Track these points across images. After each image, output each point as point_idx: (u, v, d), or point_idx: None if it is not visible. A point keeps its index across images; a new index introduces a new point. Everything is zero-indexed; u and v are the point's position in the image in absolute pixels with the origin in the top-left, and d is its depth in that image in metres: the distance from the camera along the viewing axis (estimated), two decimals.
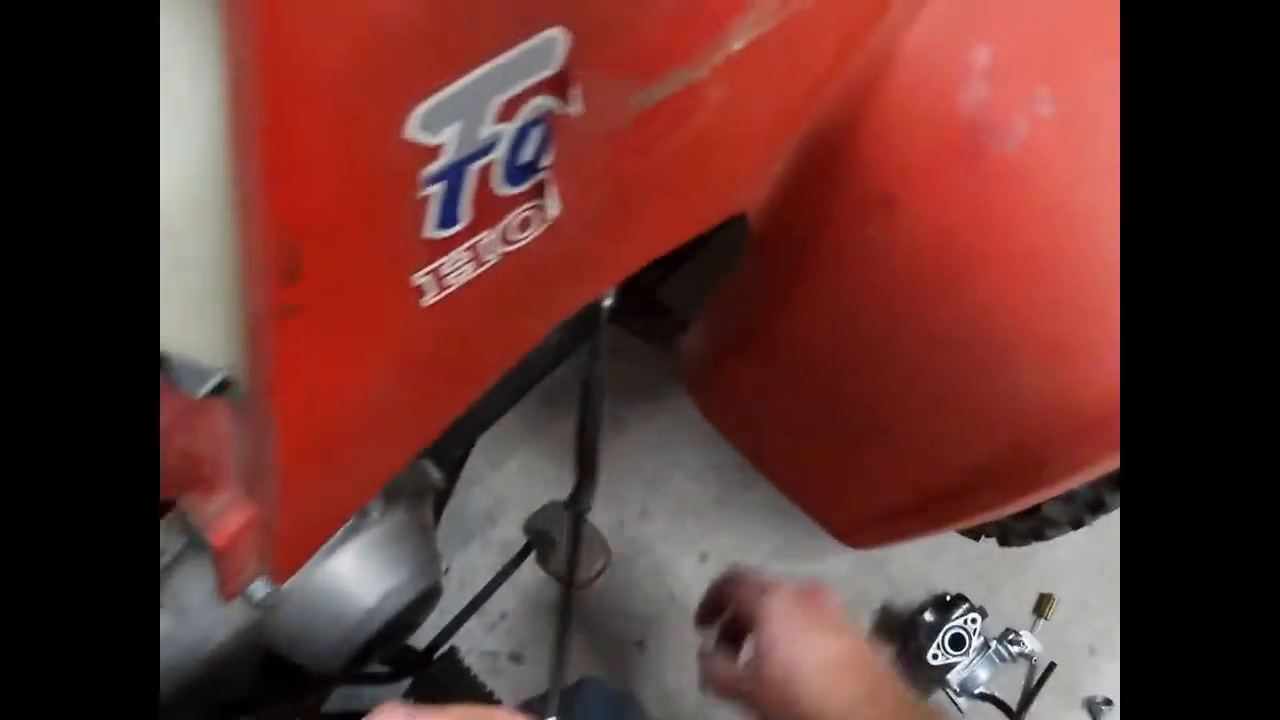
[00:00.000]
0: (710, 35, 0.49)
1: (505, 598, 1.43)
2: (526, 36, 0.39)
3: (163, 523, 0.85)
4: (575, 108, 0.43)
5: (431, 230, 0.43)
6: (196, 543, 0.85)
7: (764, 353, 0.80)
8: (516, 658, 1.42)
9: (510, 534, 1.48)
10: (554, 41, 0.40)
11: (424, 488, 0.93)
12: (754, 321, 0.79)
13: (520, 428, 1.52)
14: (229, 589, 0.64)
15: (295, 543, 0.60)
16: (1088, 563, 1.56)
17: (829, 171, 0.68)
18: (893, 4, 0.63)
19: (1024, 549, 1.50)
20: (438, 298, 0.46)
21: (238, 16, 0.33)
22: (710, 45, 0.49)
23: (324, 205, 0.39)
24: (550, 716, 0.75)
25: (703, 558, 1.50)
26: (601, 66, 0.44)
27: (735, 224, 0.72)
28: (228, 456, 0.55)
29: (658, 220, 0.59)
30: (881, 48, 0.65)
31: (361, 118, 0.37)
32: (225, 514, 0.57)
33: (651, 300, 1.09)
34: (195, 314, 0.47)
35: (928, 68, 0.65)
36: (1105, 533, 1.49)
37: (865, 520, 0.89)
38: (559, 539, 0.96)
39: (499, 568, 1.46)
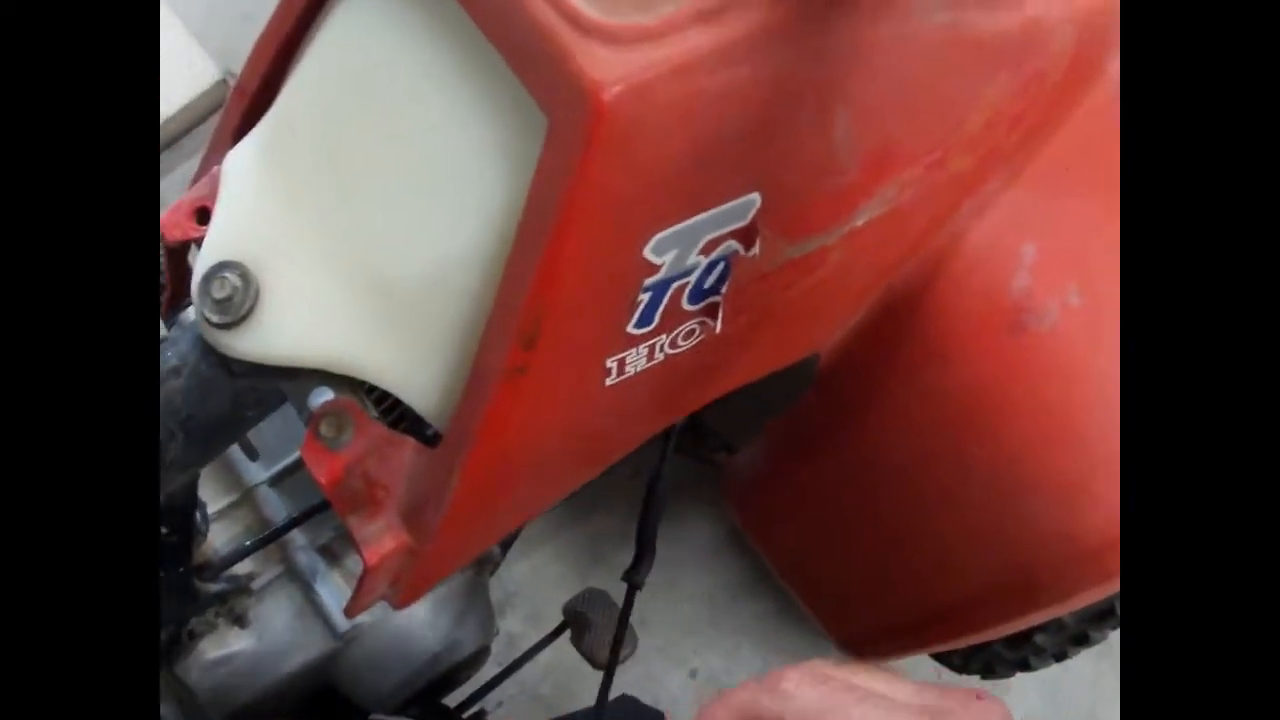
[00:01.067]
0: (845, 213, 0.64)
1: (505, 687, 1.51)
2: (736, 196, 0.54)
3: (262, 552, 0.96)
4: (753, 252, 0.57)
5: (631, 326, 0.56)
6: (288, 573, 0.96)
7: (812, 473, 0.93)
8: None
9: (516, 627, 1.58)
10: (752, 202, 0.55)
11: (487, 557, 1.04)
12: (808, 444, 0.92)
13: (536, 530, 1.63)
14: (358, 606, 0.75)
15: (429, 573, 0.71)
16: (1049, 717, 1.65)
17: (896, 327, 0.82)
18: (962, 206, 0.79)
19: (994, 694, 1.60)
20: (616, 380, 0.59)
21: (562, 139, 0.47)
22: (844, 221, 0.64)
23: (569, 294, 0.52)
24: None
25: (692, 674, 1.59)
26: (773, 225, 0.58)
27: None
28: (399, 487, 0.67)
29: (768, 348, 0.72)
30: (951, 235, 0.80)
31: (621, 238, 0.51)
32: (382, 537, 0.68)
33: (699, 421, 1.22)
34: (424, 362, 0.59)
35: (986, 256, 0.80)
36: (1056, 692, 1.60)
37: (871, 632, 1.01)
38: (595, 620, 1.07)
39: (501, 657, 1.56)
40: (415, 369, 0.59)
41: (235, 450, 0.97)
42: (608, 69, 0.45)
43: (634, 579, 0.89)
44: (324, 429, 0.63)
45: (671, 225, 0.52)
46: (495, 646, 1.56)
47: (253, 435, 0.95)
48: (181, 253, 0.69)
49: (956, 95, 0.66)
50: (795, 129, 0.55)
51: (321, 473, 0.64)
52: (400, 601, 0.75)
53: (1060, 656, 1.11)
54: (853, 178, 0.62)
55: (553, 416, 0.59)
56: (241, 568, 0.94)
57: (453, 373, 0.59)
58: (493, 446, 0.58)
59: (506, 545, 1.20)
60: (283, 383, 0.66)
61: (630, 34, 0.46)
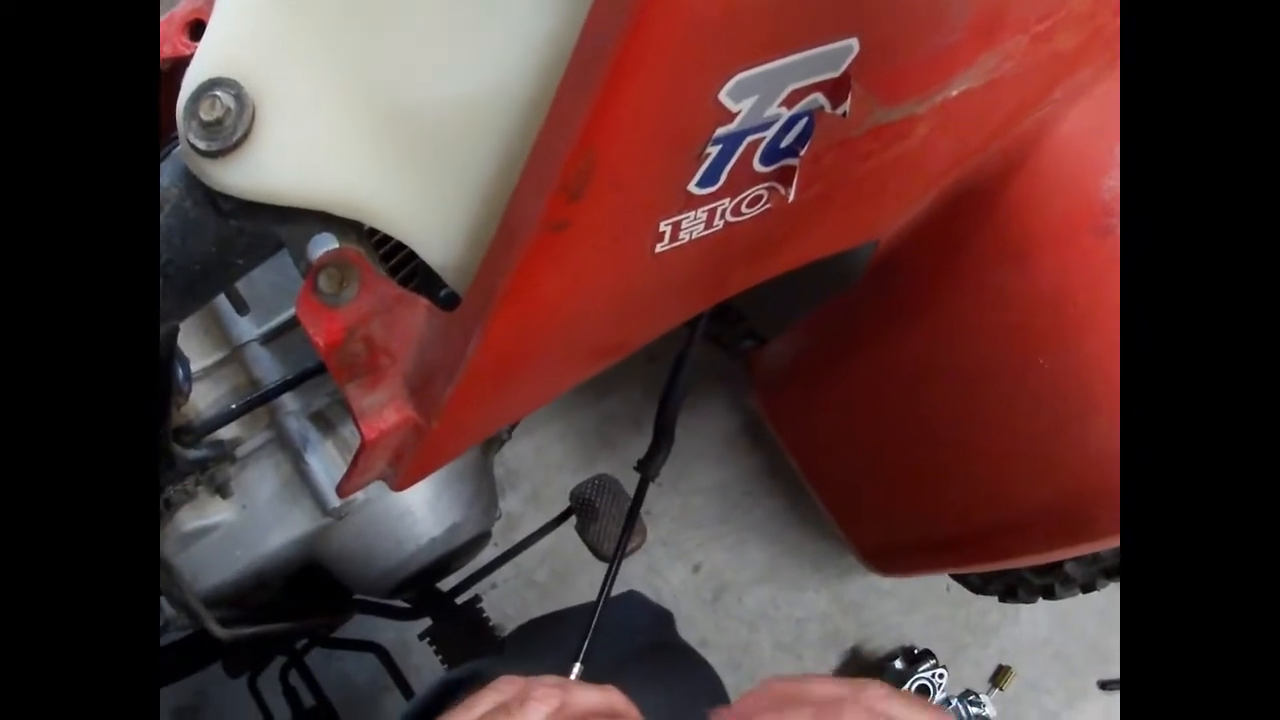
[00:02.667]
0: (942, 79, 0.55)
1: (500, 569, 1.46)
2: (833, 39, 0.44)
3: (248, 416, 0.89)
4: (841, 110, 0.48)
5: (693, 185, 0.48)
6: (277, 440, 0.89)
7: (856, 369, 0.86)
8: (498, 629, 1.45)
9: (516, 507, 1.52)
10: (849, 50, 0.46)
11: (494, 436, 0.97)
12: (855, 339, 0.85)
13: (541, 410, 1.56)
14: (351, 485, 0.68)
15: (434, 454, 0.64)
16: (1045, 646, 1.62)
17: (968, 218, 0.73)
18: (1056, 90, 0.70)
19: (991, 623, 1.57)
20: (667, 248, 0.51)
21: None
22: (939, 87, 0.55)
23: (629, 140, 0.43)
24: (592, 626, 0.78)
25: (695, 569, 1.54)
26: (866, 82, 0.49)
27: None
28: (407, 354, 0.59)
29: (831, 228, 0.64)
30: (1041, 123, 0.71)
31: (695, 71, 0.42)
32: (383, 410, 0.61)
33: (728, 305, 1.14)
34: (445, 208, 0.51)
35: (1077, 151, 0.72)
36: (1066, 621, 1.56)
37: (900, 547, 0.94)
38: (603, 509, 1.00)
39: (499, 538, 1.51)
40: (435, 217, 0.51)
41: (224, 302, 0.89)
42: None
43: (648, 469, 0.82)
44: (323, 282, 0.55)
45: (755, 65, 0.43)
46: (497, 526, 1.52)
47: (243, 286, 0.87)
48: (173, 75, 0.60)
49: None
50: None
51: (318, 333, 0.56)
52: (400, 483, 0.68)
53: (1089, 588, 1.04)
54: (958, 38, 0.53)
55: (590, 283, 0.51)
56: (225, 433, 0.87)
57: (479, 224, 0.51)
58: (518, 313, 0.50)
59: (513, 423, 1.13)
60: (279, 226, 0.57)
61: None
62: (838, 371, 0.88)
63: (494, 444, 1.00)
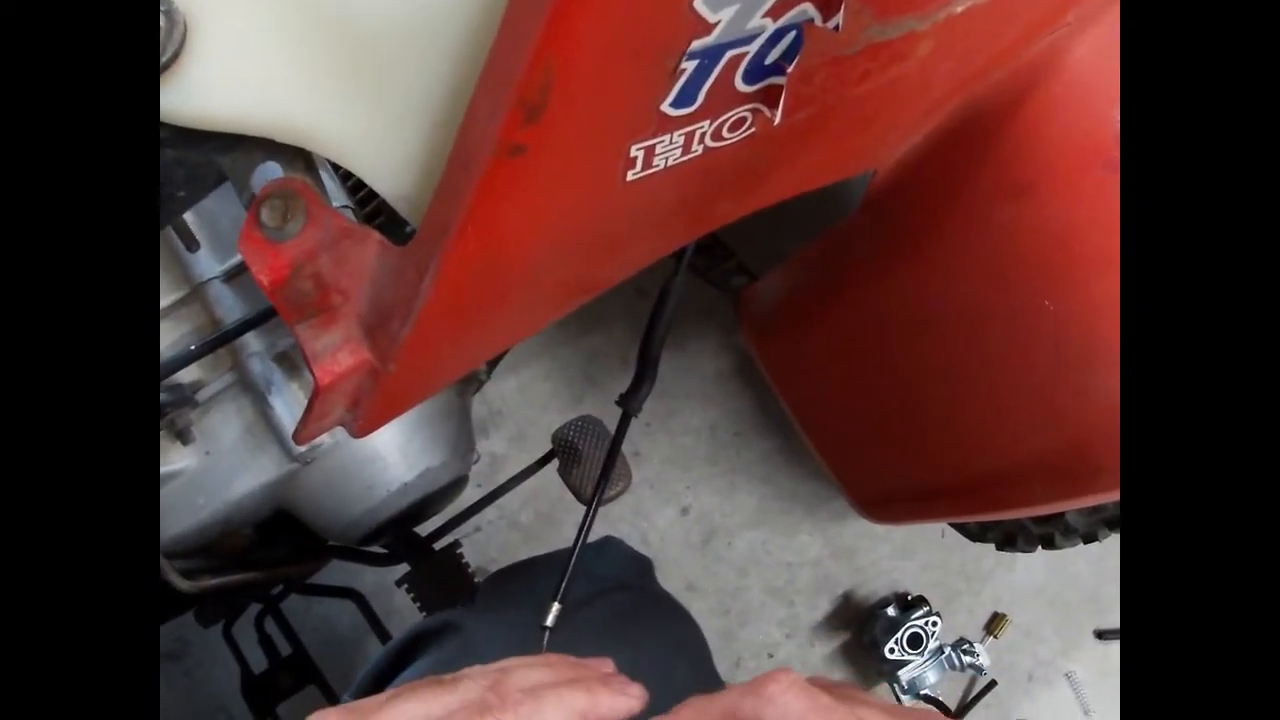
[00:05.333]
0: None
1: (483, 512, 1.43)
2: None
3: (210, 358, 0.84)
4: (834, 22, 0.43)
5: (667, 104, 0.43)
6: (240, 383, 0.84)
7: (849, 309, 0.81)
8: (482, 572, 1.42)
9: (499, 447, 1.48)
10: None
11: (470, 375, 0.92)
12: (848, 276, 0.80)
13: (526, 345, 1.52)
14: (307, 432, 0.63)
15: (394, 398, 0.59)
16: (1041, 593, 1.60)
17: (970, 150, 0.68)
18: (1069, 11, 0.65)
19: (986, 569, 1.54)
20: (639, 175, 0.46)
21: None
22: (942, 1, 0.50)
23: (591, 53, 0.38)
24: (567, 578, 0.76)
25: (683, 511, 1.51)
26: None
27: None
28: (360, 293, 0.54)
29: (823, 156, 0.59)
30: (1050, 48, 0.66)
31: None
32: (337, 352, 0.56)
33: (716, 239, 1.09)
34: (394, 132, 0.46)
35: (1088, 78, 0.67)
36: (1062, 569, 1.53)
37: (896, 495, 0.91)
38: (586, 452, 0.96)
39: (482, 479, 1.47)
40: (383, 142, 0.46)
41: (203, 214, 0.84)
42: None
43: (630, 405, 0.78)
44: (266, 215, 0.51)
45: None
46: (475, 467, 1.48)
47: (200, 220, 0.82)
48: None
49: None
50: None
51: (262, 269, 0.52)
52: (359, 429, 0.64)
53: (1090, 538, 1.01)
54: None
55: (554, 212, 0.46)
56: (186, 375, 0.82)
57: (431, 150, 0.46)
58: (475, 247, 0.46)
59: (493, 362, 1.09)
60: (220, 155, 0.53)
61: None
62: (831, 311, 0.83)
63: (471, 384, 0.95)
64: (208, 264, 0.83)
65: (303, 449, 0.81)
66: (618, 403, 0.79)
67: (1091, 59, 0.67)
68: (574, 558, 0.80)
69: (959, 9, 0.53)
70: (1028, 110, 0.67)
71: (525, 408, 1.49)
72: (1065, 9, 0.65)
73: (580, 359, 1.51)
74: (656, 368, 0.78)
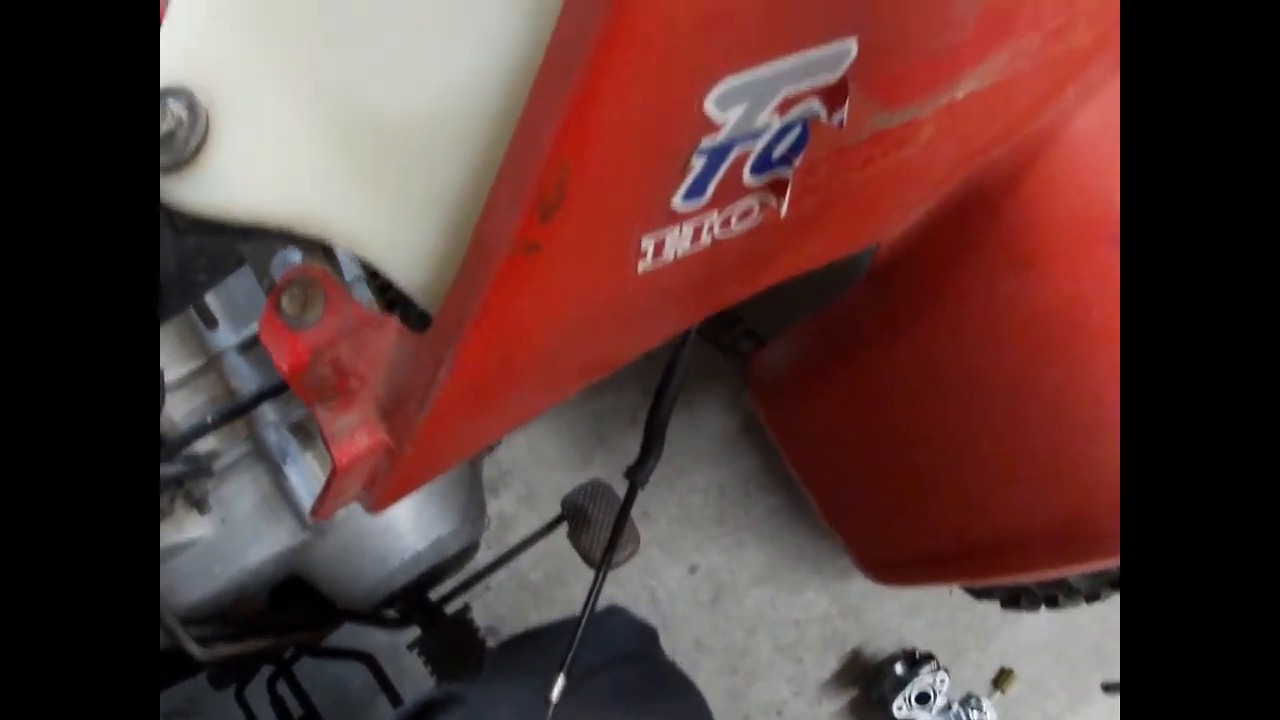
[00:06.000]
0: (948, 80, 0.51)
1: (496, 572, 1.43)
2: (829, 40, 0.41)
3: (226, 428, 0.86)
4: (838, 117, 0.44)
5: (678, 200, 0.44)
6: (255, 452, 0.85)
7: (854, 377, 0.82)
8: (492, 632, 1.42)
9: (509, 508, 1.49)
10: (846, 52, 0.42)
11: None
12: (854, 346, 0.81)
13: None
14: (325, 509, 0.64)
15: (411, 475, 0.60)
16: (1047, 648, 1.59)
17: (974, 222, 0.70)
18: (1068, 89, 0.66)
19: (993, 625, 1.54)
20: (650, 267, 0.47)
21: None
22: (944, 89, 0.51)
23: (603, 154, 0.40)
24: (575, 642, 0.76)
25: (692, 570, 1.51)
26: (866, 86, 0.45)
27: None
28: (377, 377, 0.56)
29: (830, 236, 0.60)
30: (1051, 123, 0.67)
31: (677, 80, 0.38)
32: (355, 433, 0.57)
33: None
34: (412, 226, 0.47)
35: (1090, 149, 0.68)
36: (1068, 622, 1.53)
37: (901, 558, 0.91)
38: (595, 517, 0.97)
39: (492, 539, 1.48)
40: (401, 235, 0.48)
41: (222, 294, 0.85)
42: None
43: (637, 477, 0.79)
44: (286, 304, 0.52)
45: (744, 70, 0.39)
46: (489, 528, 1.48)
47: (216, 292, 0.83)
48: None
49: None
50: None
51: (282, 356, 0.53)
52: (375, 506, 0.65)
53: (1093, 598, 1.01)
54: (967, 36, 0.49)
55: (567, 305, 0.47)
56: (202, 445, 0.83)
57: (448, 243, 0.47)
58: (491, 337, 0.47)
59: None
60: (240, 242, 0.54)
61: None
62: (837, 378, 0.85)
63: (483, 450, 0.96)
64: (224, 334, 0.85)
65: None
66: (625, 475, 0.80)
67: (1092, 132, 0.69)
68: (580, 630, 0.80)
69: (960, 94, 0.54)
70: (1030, 184, 0.69)
71: (535, 467, 1.50)
72: (1065, 84, 0.66)
73: (590, 419, 1.52)
74: (664, 439, 0.79)
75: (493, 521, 1.48)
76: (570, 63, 0.36)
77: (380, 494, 0.63)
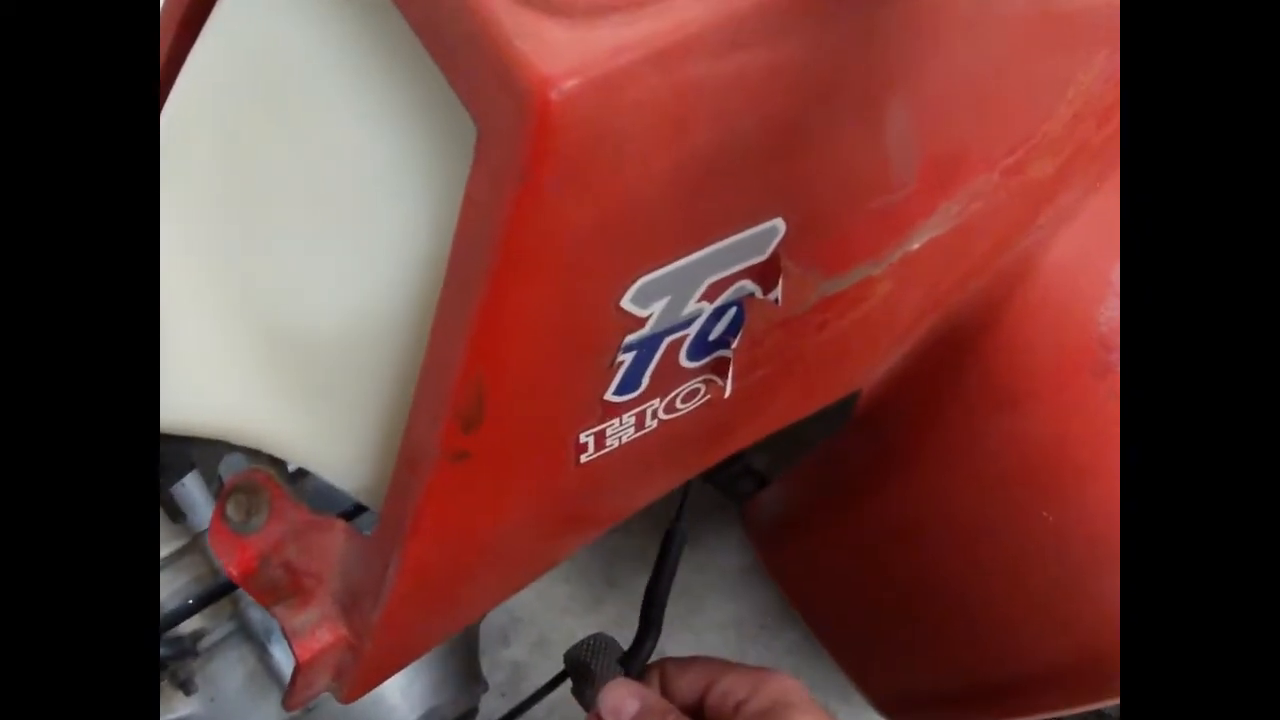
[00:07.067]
0: (899, 236, 0.49)
1: None
2: (751, 224, 0.39)
3: (211, 608, 0.84)
4: (774, 295, 0.43)
5: (610, 394, 0.42)
6: (241, 630, 0.83)
7: (847, 522, 0.80)
8: None
9: (521, 655, 1.45)
10: (773, 231, 0.40)
11: None
12: (844, 491, 0.79)
13: None
14: (295, 701, 0.62)
15: (377, 668, 0.58)
16: None
17: (953, 363, 0.67)
18: (1039, 218, 0.64)
19: None
20: (593, 456, 0.45)
21: (494, 169, 0.33)
22: (896, 245, 0.50)
23: (521, 363, 0.38)
24: None
25: None
26: (803, 257, 0.44)
27: None
28: (332, 574, 0.54)
29: (795, 396, 0.58)
30: (1024, 254, 0.65)
31: (587, 285, 0.37)
32: (315, 630, 0.55)
33: None
34: (343, 434, 0.46)
35: (1066, 280, 0.66)
36: None
37: (911, 700, 0.87)
38: (598, 672, 0.94)
39: (506, 688, 1.44)
40: (334, 442, 0.46)
41: (186, 488, 0.84)
42: (557, 55, 0.30)
43: (632, 667, 0.75)
44: (231, 510, 0.51)
45: (659, 267, 0.38)
46: (499, 676, 1.44)
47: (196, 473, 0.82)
48: None
49: (1045, 82, 0.51)
50: (833, 132, 0.41)
51: (231, 563, 0.52)
52: (346, 697, 0.62)
53: None
54: (910, 192, 0.48)
55: (508, 504, 0.46)
56: (187, 626, 0.81)
57: (383, 447, 0.46)
58: (432, 540, 0.45)
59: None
60: (186, 448, 0.53)
61: (593, 4, 0.32)
62: (832, 522, 0.82)
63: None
64: (205, 514, 0.83)
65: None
66: (620, 662, 0.77)
67: (1067, 260, 0.67)
68: None
69: (915, 245, 0.53)
70: (1007, 320, 0.66)
71: (545, 612, 1.46)
72: (1034, 215, 0.65)
73: (599, 561, 1.49)
74: (661, 620, 0.76)
75: (506, 670, 1.44)
76: (470, 280, 0.35)
77: (349, 686, 0.61)
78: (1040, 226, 0.66)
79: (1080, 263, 0.67)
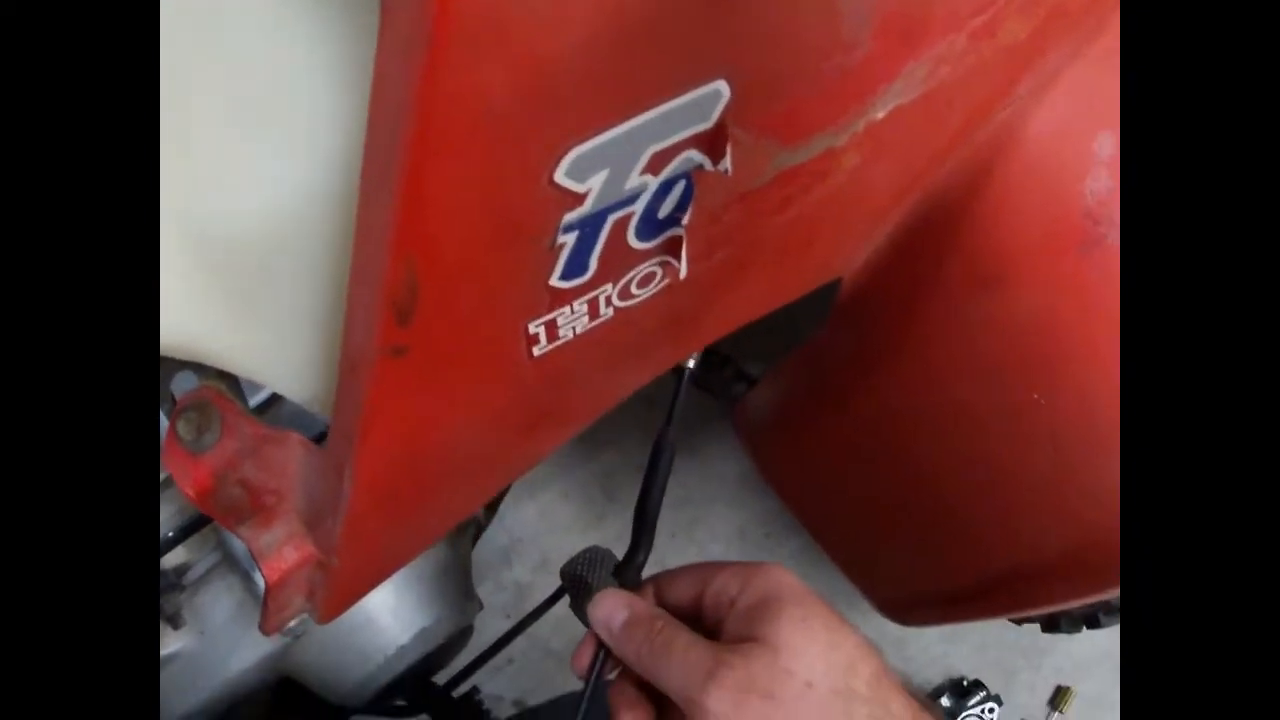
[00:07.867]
0: (859, 102, 0.46)
1: (515, 643, 1.39)
2: (691, 87, 0.37)
3: (195, 538, 0.82)
4: (723, 166, 0.40)
5: (556, 279, 0.40)
6: (226, 560, 0.82)
7: (838, 420, 0.77)
8: (519, 704, 1.38)
9: (524, 576, 1.45)
10: (716, 95, 0.38)
11: (466, 523, 0.90)
12: (831, 387, 0.76)
13: (541, 469, 1.48)
14: (271, 624, 0.61)
15: (349, 585, 0.57)
16: (1105, 659, 1.52)
17: (935, 244, 0.65)
18: (1018, 87, 0.61)
19: (1044, 642, 1.47)
20: (546, 349, 0.43)
21: (400, 39, 0.30)
22: (857, 112, 0.47)
23: (452, 245, 0.36)
24: None
25: None
26: (754, 125, 0.41)
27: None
28: (293, 490, 0.52)
29: (766, 283, 0.56)
30: (1004, 126, 0.62)
31: (514, 158, 0.34)
32: (282, 548, 0.54)
33: (708, 347, 1.06)
34: (285, 342, 0.44)
35: (1051, 152, 0.63)
36: None
37: (914, 599, 0.86)
38: (595, 586, 0.93)
39: (510, 609, 1.44)
40: (276, 351, 0.44)
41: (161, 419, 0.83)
42: None
43: (626, 578, 0.74)
44: (183, 429, 0.49)
45: (592, 136, 0.35)
46: (503, 598, 1.44)
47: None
48: None
49: None
50: None
51: (186, 483, 0.50)
52: (322, 617, 0.61)
53: None
54: (866, 53, 0.45)
55: (459, 400, 0.44)
56: (172, 559, 0.80)
57: (325, 352, 0.44)
58: (383, 444, 0.43)
59: (493, 504, 1.06)
60: None
61: None
62: (820, 419, 0.80)
63: (466, 532, 0.92)
64: None
65: (292, 624, 0.79)
66: (614, 574, 0.75)
67: (1051, 131, 0.64)
68: (583, 706, 0.76)
69: (880, 114, 0.50)
70: (988, 195, 0.64)
71: (547, 532, 1.46)
72: (1013, 83, 0.61)
73: (597, 477, 1.48)
74: (654, 531, 0.74)
75: (509, 590, 1.44)
76: (388, 158, 0.32)
77: (324, 605, 0.59)
78: (1018, 97, 0.62)
79: (1063, 134, 0.64)
